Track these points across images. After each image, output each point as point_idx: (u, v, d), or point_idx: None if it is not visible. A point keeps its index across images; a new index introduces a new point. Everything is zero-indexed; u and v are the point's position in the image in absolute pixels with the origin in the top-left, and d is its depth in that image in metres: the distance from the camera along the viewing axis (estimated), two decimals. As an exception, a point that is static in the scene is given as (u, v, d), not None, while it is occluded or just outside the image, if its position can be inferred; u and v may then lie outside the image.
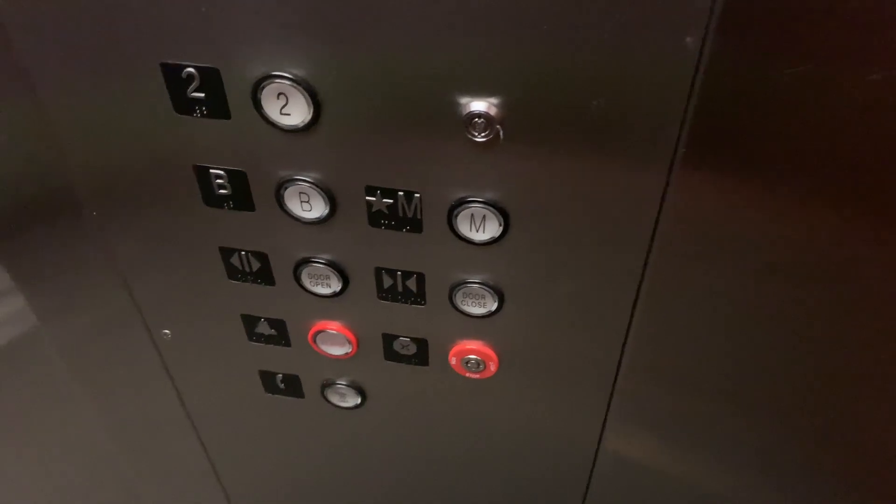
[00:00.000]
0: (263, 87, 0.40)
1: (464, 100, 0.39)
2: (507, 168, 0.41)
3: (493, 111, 0.38)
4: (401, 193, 0.44)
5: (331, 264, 0.50)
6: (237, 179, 0.46)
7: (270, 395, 0.65)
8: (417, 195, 0.44)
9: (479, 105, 0.38)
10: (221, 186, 0.47)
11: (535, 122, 0.39)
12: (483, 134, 0.39)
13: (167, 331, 0.61)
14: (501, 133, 0.39)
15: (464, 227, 0.45)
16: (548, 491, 0.69)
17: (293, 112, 0.41)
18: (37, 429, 0.74)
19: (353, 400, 0.63)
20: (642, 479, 0.65)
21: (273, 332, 0.58)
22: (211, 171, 0.46)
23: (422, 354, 0.57)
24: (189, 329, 0.60)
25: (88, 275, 0.56)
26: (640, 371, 0.53)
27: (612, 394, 0.56)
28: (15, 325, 0.62)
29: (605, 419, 0.59)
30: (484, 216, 0.44)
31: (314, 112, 0.41)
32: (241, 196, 0.47)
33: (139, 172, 0.47)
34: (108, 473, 0.80)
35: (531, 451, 0.65)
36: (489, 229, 0.45)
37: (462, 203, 0.44)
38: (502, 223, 0.44)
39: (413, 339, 0.55)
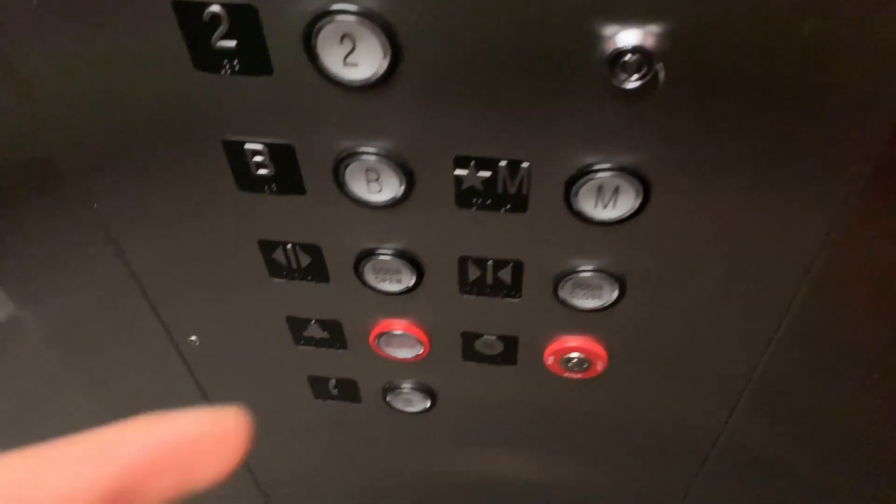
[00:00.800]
0: (320, 29, 0.28)
1: (609, 30, 0.27)
2: (660, 123, 0.30)
3: (650, 44, 0.27)
4: (503, 164, 0.33)
5: (402, 255, 0.40)
6: (282, 155, 0.35)
7: (321, 401, 0.55)
8: (525, 165, 0.33)
9: (631, 36, 0.27)
10: (261, 165, 0.35)
11: (713, 58, 0.27)
12: (635, 77, 0.28)
13: (194, 337, 0.50)
14: (662, 75, 0.28)
15: (586, 203, 0.34)
16: (647, 486, 0.60)
17: (362, 61, 0.29)
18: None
19: (420, 404, 0.53)
20: (755, 475, 0.55)
21: (326, 335, 0.47)
22: (246, 145, 0.35)
23: (509, 353, 0.46)
24: (221, 335, 0.50)
25: (96, 275, 0.46)
26: (784, 365, 0.43)
27: (744, 390, 0.46)
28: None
29: (731, 415, 0.49)
30: (617, 188, 0.33)
31: (389, 65, 0.29)
32: (287, 176, 0.36)
33: (150, 151, 0.36)
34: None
35: (632, 448, 0.55)
36: (622, 204, 0.34)
37: (588, 172, 0.33)
38: (642, 196, 0.33)
39: (500, 338, 0.45)
